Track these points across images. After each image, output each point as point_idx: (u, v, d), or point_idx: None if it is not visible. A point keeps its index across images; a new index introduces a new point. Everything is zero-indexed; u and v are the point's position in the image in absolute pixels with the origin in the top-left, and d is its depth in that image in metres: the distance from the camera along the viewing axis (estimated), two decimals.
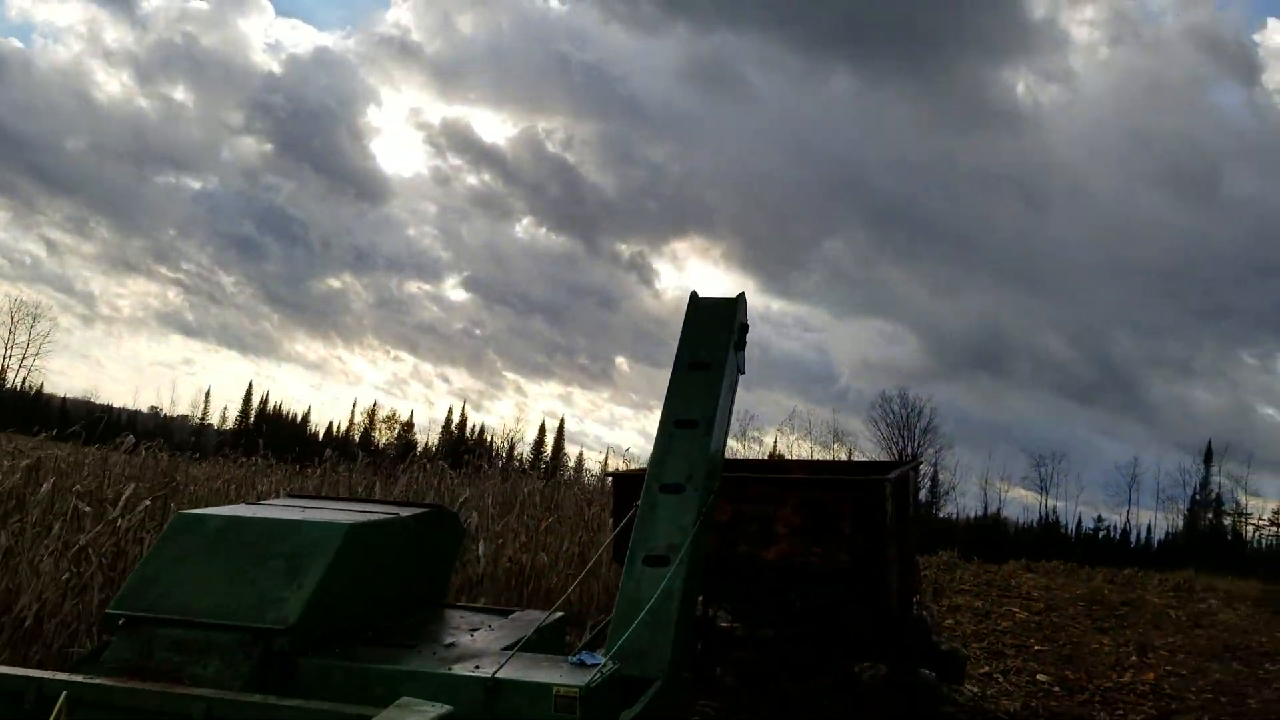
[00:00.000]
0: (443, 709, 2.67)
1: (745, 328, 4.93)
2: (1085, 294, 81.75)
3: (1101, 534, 56.42)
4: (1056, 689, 11.47)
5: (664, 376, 4.69)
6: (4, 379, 70.60)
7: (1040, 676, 12.14)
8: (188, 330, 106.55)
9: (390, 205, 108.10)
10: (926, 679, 6.82)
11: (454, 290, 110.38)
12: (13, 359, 71.06)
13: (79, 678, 2.96)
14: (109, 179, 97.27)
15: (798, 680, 6.67)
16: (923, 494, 52.35)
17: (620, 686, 3.24)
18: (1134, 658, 13.91)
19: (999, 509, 59.86)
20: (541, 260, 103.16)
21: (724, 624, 7.37)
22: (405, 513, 3.92)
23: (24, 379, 71.14)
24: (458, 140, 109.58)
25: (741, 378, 5.02)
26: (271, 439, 16.92)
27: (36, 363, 71.75)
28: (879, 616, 6.59)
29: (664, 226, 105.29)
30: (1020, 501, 64.98)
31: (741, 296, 4.93)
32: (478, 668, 3.08)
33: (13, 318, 71.35)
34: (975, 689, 10.61)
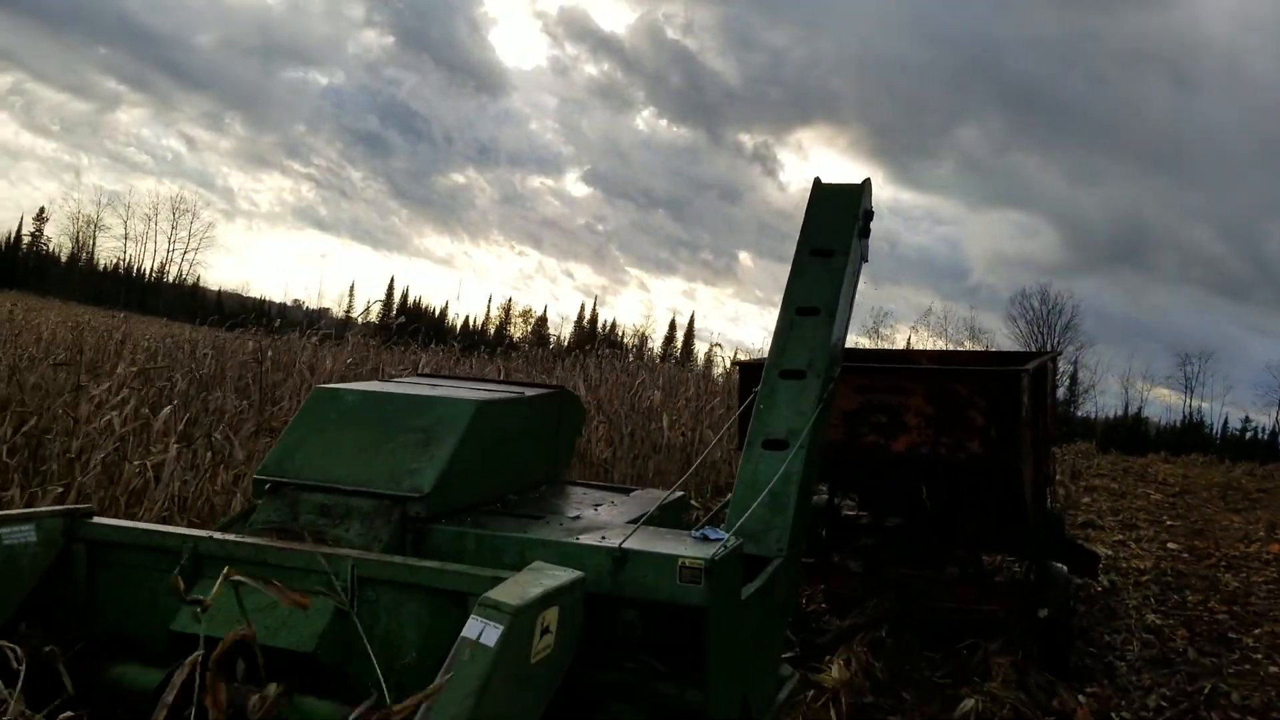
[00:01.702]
0: (574, 573, 2.75)
1: (870, 214, 4.79)
2: (1238, 182, 76.82)
3: (1249, 435, 54.16)
4: (1185, 555, 12.77)
5: (788, 271, 4.60)
6: (164, 273, 74.57)
7: (1170, 545, 13.52)
8: (322, 225, 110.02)
9: (510, 98, 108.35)
10: (1058, 571, 6.72)
11: (575, 185, 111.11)
12: (175, 252, 74.90)
13: (231, 536, 3.15)
14: (239, 74, 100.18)
15: (923, 569, 6.65)
16: (1061, 393, 51.01)
17: (742, 562, 3.27)
18: (1262, 534, 15.06)
19: (1140, 409, 58.12)
20: (663, 153, 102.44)
21: (849, 512, 7.38)
22: (530, 392, 4.00)
23: (184, 273, 75.07)
24: (575, 28, 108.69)
25: (866, 269, 4.90)
26: (415, 332, 17.43)
27: (197, 257, 75.63)
28: (1011, 509, 6.51)
29: (788, 115, 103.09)
30: (1163, 402, 63.01)
31: (867, 182, 4.79)
32: (604, 538, 3.14)
33: (174, 213, 75.04)
34: (1109, 552, 11.82)
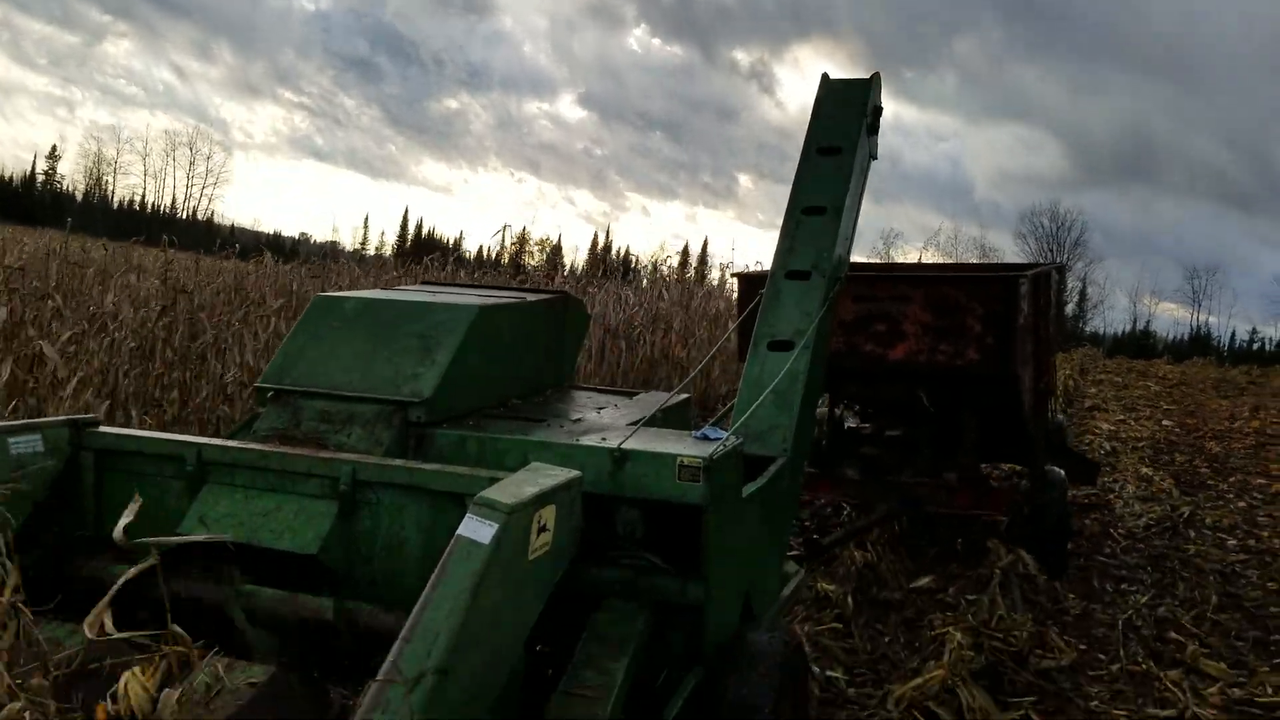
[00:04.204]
0: (571, 473, 2.78)
1: (879, 110, 4.71)
2: (1244, 90, 75.30)
3: (1255, 346, 54.26)
4: (1177, 429, 15.53)
5: (789, 189, 4.53)
6: (178, 209, 74.65)
7: (1165, 422, 16.33)
8: (319, 154, 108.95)
9: (499, 18, 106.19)
10: (1055, 476, 6.77)
11: (570, 108, 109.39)
12: (194, 188, 75.00)
13: (234, 443, 3.18)
14: (223, 0, 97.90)
15: (923, 476, 6.71)
16: (1070, 308, 51.07)
17: (743, 461, 3.31)
18: (1246, 413, 17.94)
19: (1148, 323, 58.27)
20: (657, 73, 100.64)
21: (851, 424, 7.43)
22: (532, 298, 4.00)
23: (199, 208, 75.16)
24: None
25: (870, 186, 4.83)
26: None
27: (216, 191, 75.76)
28: (1010, 417, 6.54)
29: (784, 29, 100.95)
30: (1170, 316, 63.00)
31: (876, 77, 4.70)
32: (604, 439, 3.17)
33: (191, 149, 74.93)
34: (1111, 428, 14.50)
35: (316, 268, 12.01)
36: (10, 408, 5.36)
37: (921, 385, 6.36)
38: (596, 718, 2.52)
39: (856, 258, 4.66)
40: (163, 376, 6.61)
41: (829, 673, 4.96)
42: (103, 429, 3.26)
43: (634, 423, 3.43)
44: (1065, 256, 52.67)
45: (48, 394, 5.60)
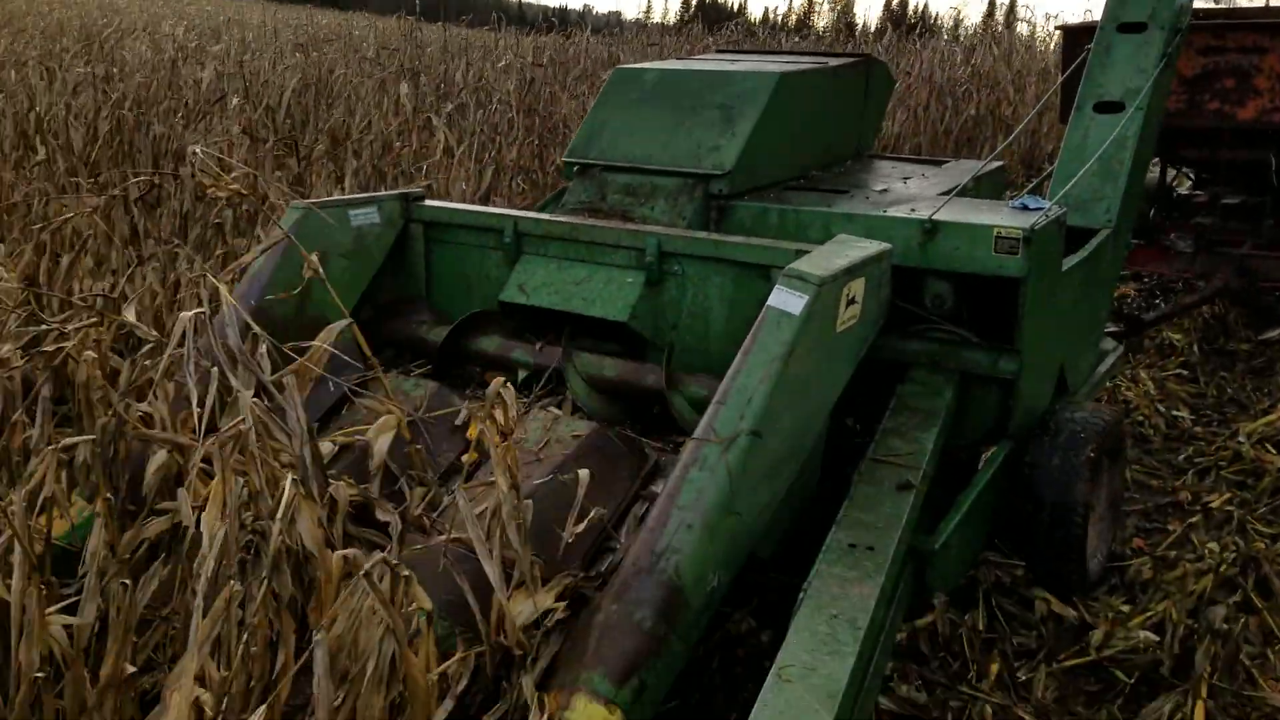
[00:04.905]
0: (881, 245, 2.72)
1: None
2: None
3: None
4: None
5: None
6: None
7: None
8: None
9: None
10: None
11: None
12: None
13: (546, 216, 3.32)
14: None
15: (1266, 249, 6.08)
16: None
17: (1064, 232, 3.11)
18: None
19: None
20: None
21: (1182, 191, 6.83)
22: (834, 62, 3.82)
23: None
24: None
25: None
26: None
27: None
28: None
29: None
30: None
31: None
32: (913, 210, 3.06)
33: None
34: None
35: (651, 38, 12.11)
36: (423, 172, 5.95)
37: (1273, 147, 5.72)
38: (908, 484, 2.54)
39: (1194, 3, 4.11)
40: (532, 144, 7.23)
41: (1174, 412, 5.14)
42: (429, 203, 3.48)
43: (945, 192, 3.28)
44: None
45: (439, 164, 6.18)
